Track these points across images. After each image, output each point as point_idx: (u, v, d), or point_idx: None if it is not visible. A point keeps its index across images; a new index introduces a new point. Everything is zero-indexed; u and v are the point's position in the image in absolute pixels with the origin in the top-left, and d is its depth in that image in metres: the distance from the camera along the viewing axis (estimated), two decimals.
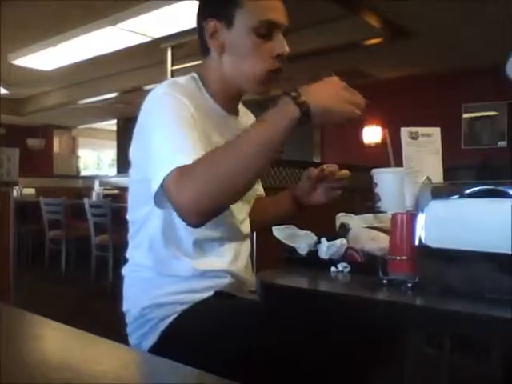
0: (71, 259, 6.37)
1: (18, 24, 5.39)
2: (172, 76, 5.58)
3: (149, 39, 5.68)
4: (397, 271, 1.03)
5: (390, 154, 1.51)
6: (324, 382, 1.07)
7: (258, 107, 1.36)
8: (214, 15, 1.22)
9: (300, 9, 4.93)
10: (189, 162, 0.98)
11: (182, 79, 1.25)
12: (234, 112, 1.33)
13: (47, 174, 10.16)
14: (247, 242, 1.38)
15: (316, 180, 1.34)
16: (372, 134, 7.57)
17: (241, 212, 1.33)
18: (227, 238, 1.28)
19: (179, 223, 1.14)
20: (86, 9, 4.90)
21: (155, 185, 1.01)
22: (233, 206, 1.22)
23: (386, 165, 1.55)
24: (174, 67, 5.55)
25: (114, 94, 8.11)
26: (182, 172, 0.98)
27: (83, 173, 11.78)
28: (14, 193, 3.44)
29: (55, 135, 11.85)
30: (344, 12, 4.93)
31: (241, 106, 1.39)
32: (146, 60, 6.50)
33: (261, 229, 1.55)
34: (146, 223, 1.23)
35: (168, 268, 1.21)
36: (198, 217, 0.99)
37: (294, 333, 1.09)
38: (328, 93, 1.01)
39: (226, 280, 1.26)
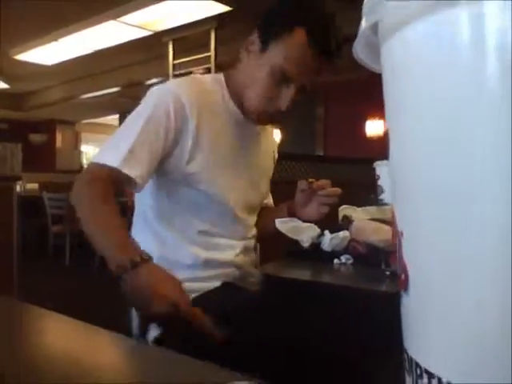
0: (75, 253, 6.39)
1: (20, 19, 5.38)
2: (173, 69, 5.58)
3: (150, 33, 5.66)
4: None
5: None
6: (326, 373, 1.07)
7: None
8: (261, 31, 1.21)
9: None
10: (115, 164, 1.08)
11: (207, 77, 1.30)
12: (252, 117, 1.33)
13: (50, 169, 10.17)
14: (253, 240, 1.39)
15: (305, 194, 1.33)
16: (375, 127, 7.54)
17: (252, 218, 1.36)
18: (234, 237, 1.29)
19: (186, 215, 1.21)
20: (88, 3, 4.89)
21: (97, 158, 1.12)
22: (245, 213, 1.30)
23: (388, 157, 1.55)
24: (176, 61, 5.55)
25: (116, 89, 8.09)
26: (97, 176, 1.09)
27: None
28: (18, 188, 3.45)
29: (58, 130, 11.83)
30: (348, 5, 4.91)
31: None
32: (148, 54, 6.49)
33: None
34: (147, 210, 1.26)
35: (171, 254, 1.22)
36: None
37: (296, 324, 1.09)
38: (148, 302, 0.89)
39: (232, 270, 1.27)
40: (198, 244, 1.23)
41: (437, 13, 0.35)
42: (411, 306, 0.42)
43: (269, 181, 1.48)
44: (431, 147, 0.37)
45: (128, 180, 1.11)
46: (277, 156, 1.53)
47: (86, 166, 1.14)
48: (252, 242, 1.38)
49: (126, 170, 1.09)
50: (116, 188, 1.11)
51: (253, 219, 1.38)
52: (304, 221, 1.35)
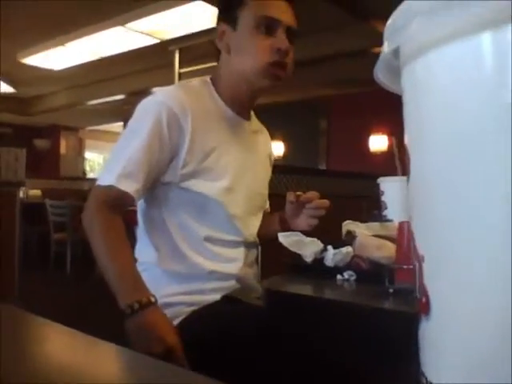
0: (76, 262, 6.37)
1: (27, 22, 5.42)
2: (179, 79, 5.60)
3: (157, 41, 5.69)
4: (403, 280, 1.03)
5: (397, 163, 1.51)
6: None
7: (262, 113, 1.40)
8: (223, 19, 1.28)
9: (311, 15, 4.96)
10: (112, 182, 1.13)
11: (194, 81, 1.31)
12: (246, 116, 1.36)
13: (54, 176, 10.18)
14: (255, 250, 1.38)
15: (294, 206, 1.33)
16: (378, 143, 7.54)
17: (253, 220, 1.35)
18: (238, 243, 1.28)
19: (188, 221, 1.21)
20: (96, 9, 4.92)
21: (99, 180, 1.18)
22: (246, 215, 1.29)
23: (393, 173, 1.54)
24: (182, 70, 5.56)
25: (121, 96, 8.12)
26: (103, 199, 1.16)
27: (89, 175, 11.78)
28: (20, 194, 3.44)
29: (62, 136, 11.85)
30: (353, 19, 4.93)
31: (254, 118, 1.43)
32: (154, 62, 6.51)
33: None
34: (147, 221, 1.26)
35: (175, 265, 1.22)
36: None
37: (298, 340, 1.08)
38: (146, 343, 1.01)
39: (233, 283, 1.25)
40: (202, 254, 1.22)
41: (460, 39, 0.35)
42: (432, 329, 0.42)
43: (267, 183, 1.47)
44: (454, 168, 0.37)
45: (125, 195, 1.14)
46: (273, 159, 1.53)
47: (92, 190, 1.19)
48: (255, 253, 1.38)
49: (121, 187, 1.13)
50: (121, 208, 1.17)
51: (255, 222, 1.37)
52: (294, 230, 1.35)
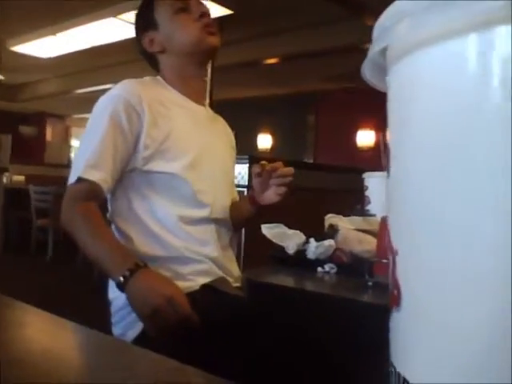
0: (58, 248, 6.33)
1: (18, 11, 5.35)
2: None
3: None
4: (382, 273, 1.04)
5: (383, 158, 1.52)
6: (307, 379, 1.08)
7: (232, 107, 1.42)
8: (143, 30, 1.41)
9: (302, 9, 4.96)
10: (79, 175, 1.18)
11: (145, 78, 1.38)
12: (200, 102, 1.42)
13: (38, 162, 10.09)
14: (229, 232, 1.39)
15: (259, 177, 1.33)
16: (366, 138, 7.59)
17: (221, 196, 1.36)
18: (208, 220, 1.29)
19: (158, 203, 1.23)
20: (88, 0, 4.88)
21: (69, 181, 1.22)
22: (212, 190, 1.31)
23: (378, 168, 1.56)
24: None
25: (109, 85, 8.05)
26: (75, 195, 1.20)
27: None
28: (4, 179, 3.41)
29: (48, 123, 11.76)
30: (345, 14, 4.93)
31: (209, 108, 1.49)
32: None
33: None
34: (123, 211, 1.27)
35: (150, 250, 1.22)
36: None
37: (277, 330, 1.09)
38: (147, 300, 1.04)
39: (210, 266, 1.26)
40: (176, 235, 1.24)
41: (447, 41, 0.36)
42: (401, 322, 0.43)
43: (233, 169, 1.51)
44: (432, 169, 0.38)
45: (94, 186, 1.17)
46: (234, 142, 1.56)
47: (65, 193, 1.24)
48: (228, 235, 1.38)
49: (89, 177, 1.17)
50: (95, 200, 1.20)
51: (223, 198, 1.38)
52: (265, 205, 1.34)
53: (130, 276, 1.05)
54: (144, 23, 1.42)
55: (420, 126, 0.40)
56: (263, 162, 1.29)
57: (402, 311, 0.42)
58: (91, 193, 1.18)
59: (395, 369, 0.44)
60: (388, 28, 0.42)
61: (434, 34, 0.37)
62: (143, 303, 1.04)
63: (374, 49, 0.44)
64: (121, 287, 1.06)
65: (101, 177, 1.18)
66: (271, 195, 1.33)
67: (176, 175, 1.24)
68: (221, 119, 1.54)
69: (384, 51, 0.45)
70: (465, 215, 0.35)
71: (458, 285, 0.36)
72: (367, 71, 0.49)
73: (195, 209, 1.27)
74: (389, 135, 0.46)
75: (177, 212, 1.25)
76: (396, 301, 0.43)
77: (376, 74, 0.49)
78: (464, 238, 0.35)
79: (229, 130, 1.56)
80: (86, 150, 1.21)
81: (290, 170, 1.29)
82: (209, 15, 1.37)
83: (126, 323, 1.21)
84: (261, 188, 1.33)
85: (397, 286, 0.42)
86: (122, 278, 1.05)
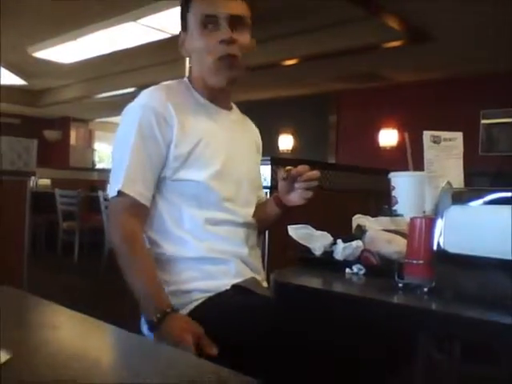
0: (84, 250, 6.42)
1: (39, 16, 5.43)
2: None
3: (168, 36, 5.69)
4: (413, 275, 1.03)
5: (408, 158, 1.50)
6: (334, 381, 1.07)
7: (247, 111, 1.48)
8: (180, 26, 1.38)
9: (322, 10, 4.94)
10: (120, 188, 1.22)
11: (172, 82, 1.38)
12: (225, 107, 1.42)
13: (63, 166, 10.22)
14: (255, 233, 1.42)
15: (285, 181, 1.33)
16: (388, 137, 7.51)
17: (247, 203, 1.38)
18: (235, 223, 1.32)
19: (187, 210, 1.26)
20: (108, 4, 4.92)
21: (109, 194, 1.27)
22: (239, 198, 1.34)
23: (402, 168, 1.54)
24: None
25: (131, 89, 8.13)
26: (119, 210, 1.25)
27: (98, 166, 11.82)
28: (31, 183, 3.46)
29: (72, 128, 11.91)
30: (364, 14, 4.90)
31: (235, 108, 1.49)
32: (164, 56, 6.50)
33: None
34: (154, 207, 1.29)
35: (177, 249, 1.25)
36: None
37: (306, 332, 1.09)
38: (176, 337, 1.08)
39: (239, 266, 1.29)
40: (204, 237, 1.26)
41: None
42: None
43: (258, 170, 1.52)
44: None
45: (135, 201, 1.22)
46: (260, 144, 1.56)
47: (108, 207, 1.33)
48: (255, 235, 1.41)
49: (129, 192, 1.21)
50: (139, 215, 1.25)
51: (249, 205, 1.40)
52: (290, 207, 1.37)
53: (158, 323, 1.11)
54: (180, 21, 1.39)
55: None
56: (288, 168, 1.30)
57: None
58: (134, 208, 1.23)
59: None
60: None
61: None
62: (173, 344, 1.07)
63: None
64: (151, 327, 1.14)
65: (140, 190, 1.23)
66: (296, 197, 1.34)
67: (204, 183, 1.26)
68: (248, 121, 1.55)
69: None
70: None
71: None
72: None
73: (222, 212, 1.30)
74: None
75: (204, 215, 1.27)
76: None
77: None
78: None
79: (255, 131, 1.57)
80: (121, 162, 1.24)
81: (316, 173, 1.30)
82: (234, 43, 1.28)
83: None
84: (286, 190, 1.35)
85: None
86: (152, 323, 1.13)
